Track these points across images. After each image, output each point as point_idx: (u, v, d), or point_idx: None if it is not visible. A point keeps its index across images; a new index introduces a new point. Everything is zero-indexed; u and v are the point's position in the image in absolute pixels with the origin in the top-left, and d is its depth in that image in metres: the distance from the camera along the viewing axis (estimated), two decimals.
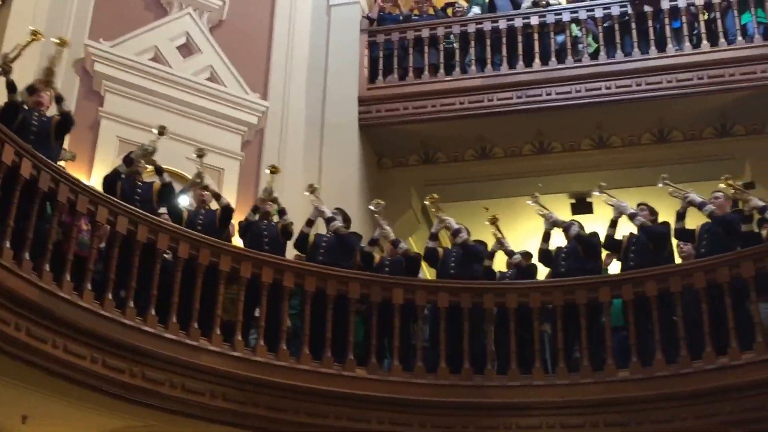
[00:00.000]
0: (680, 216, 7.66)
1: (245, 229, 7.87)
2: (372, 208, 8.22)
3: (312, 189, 8.20)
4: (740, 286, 6.88)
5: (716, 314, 6.85)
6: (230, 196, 8.76)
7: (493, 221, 8.17)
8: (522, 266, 8.06)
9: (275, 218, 8.03)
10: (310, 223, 8.06)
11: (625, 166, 10.33)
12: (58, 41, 7.31)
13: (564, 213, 9.66)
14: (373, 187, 10.47)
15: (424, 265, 8.60)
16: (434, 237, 8.21)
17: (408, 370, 7.15)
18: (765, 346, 6.58)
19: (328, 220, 7.99)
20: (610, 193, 8.04)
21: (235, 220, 8.06)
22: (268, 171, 8.21)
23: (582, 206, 11.04)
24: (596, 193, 8.13)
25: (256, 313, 7.23)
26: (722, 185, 7.46)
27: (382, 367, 7.21)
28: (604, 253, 8.14)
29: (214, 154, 9.22)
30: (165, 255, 6.97)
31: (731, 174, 8.65)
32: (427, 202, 8.24)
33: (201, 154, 8.08)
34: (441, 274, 7.92)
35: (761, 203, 7.26)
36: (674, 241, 7.82)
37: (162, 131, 7.78)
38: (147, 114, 9.20)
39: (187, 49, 9.89)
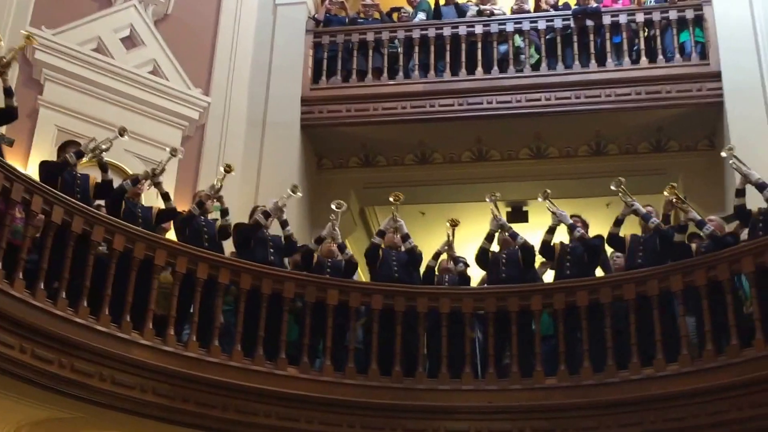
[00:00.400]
0: (618, 222, 7.78)
1: (187, 222, 7.82)
2: (334, 207, 8.22)
3: (228, 169, 8.12)
4: (669, 299, 7.05)
5: (644, 325, 7.01)
6: (168, 190, 8.68)
7: (454, 224, 8.20)
8: (464, 275, 8.18)
9: (215, 215, 8.02)
10: (267, 215, 8.03)
11: (561, 177, 10.49)
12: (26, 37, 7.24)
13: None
14: (313, 188, 10.49)
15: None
16: (381, 234, 8.18)
17: (339, 370, 7.19)
18: (689, 358, 6.75)
19: (284, 224, 8.04)
20: (552, 201, 8.11)
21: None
22: (222, 169, 8.14)
23: (518, 215, 11.19)
24: (540, 200, 8.16)
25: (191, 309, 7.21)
26: (666, 192, 7.57)
27: (314, 367, 7.24)
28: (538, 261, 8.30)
29: (153, 148, 9.18)
30: (100, 248, 6.92)
31: (672, 183, 8.87)
32: (391, 198, 8.20)
33: (174, 153, 8.04)
34: (381, 276, 7.92)
35: (699, 217, 7.45)
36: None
37: (122, 132, 7.71)
38: (87, 104, 9.11)
39: (130, 42, 9.79)
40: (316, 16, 10.96)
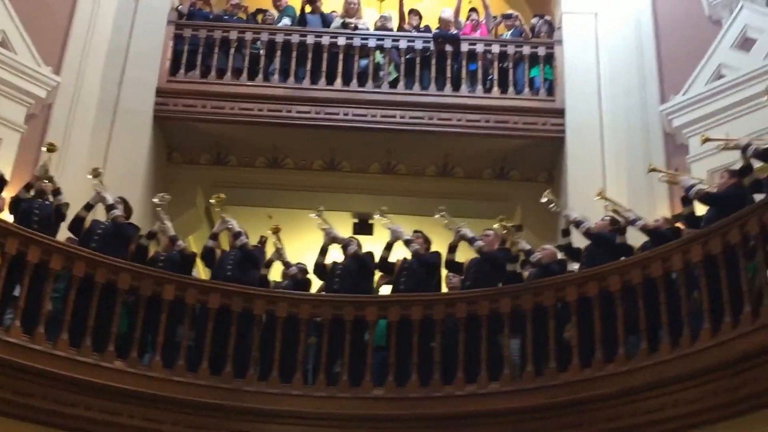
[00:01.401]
0: (452, 248, 8.07)
1: (16, 204, 7.58)
2: (156, 201, 8.13)
3: (96, 173, 8.02)
4: (498, 320, 7.33)
5: (473, 343, 7.25)
6: (6, 168, 8.37)
7: (276, 231, 8.31)
8: (298, 278, 8.23)
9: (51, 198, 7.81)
10: (88, 207, 7.88)
11: (408, 194, 10.73)
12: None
13: (345, 231, 9.91)
14: (160, 180, 10.31)
15: (200, 265, 8.58)
16: (215, 237, 8.21)
17: (168, 367, 7.10)
18: (511, 378, 7.04)
19: (109, 207, 7.86)
20: (390, 218, 8.32)
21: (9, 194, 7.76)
22: (45, 149, 7.93)
23: (363, 227, 11.37)
24: (377, 216, 8.40)
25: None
26: (496, 225, 7.90)
27: (143, 362, 7.12)
28: (378, 274, 8.47)
29: None
30: None
31: (503, 215, 9.21)
32: (212, 201, 8.24)
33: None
34: (217, 275, 7.91)
35: (528, 246, 7.82)
36: (443, 271, 8.23)
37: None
38: None
39: None
40: (179, 7, 10.81)
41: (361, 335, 7.50)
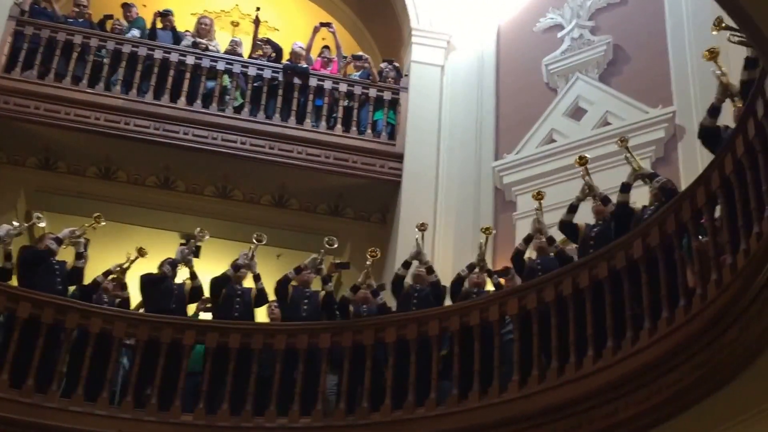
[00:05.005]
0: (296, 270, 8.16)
1: None
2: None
3: None
4: (317, 354, 7.34)
5: (289, 376, 7.25)
6: None
7: (141, 254, 8.26)
8: (124, 297, 8.08)
9: None
10: None
11: (241, 221, 10.62)
12: None
13: (171, 251, 9.69)
14: None
15: None
16: (59, 241, 7.97)
17: None
18: (323, 414, 7.05)
19: None
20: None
21: None
22: None
23: None
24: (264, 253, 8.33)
25: None
26: (369, 254, 8.14)
27: None
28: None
29: None
30: None
31: (333, 252, 9.30)
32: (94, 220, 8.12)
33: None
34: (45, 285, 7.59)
35: (374, 285, 8.08)
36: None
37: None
38: None
39: None
40: (20, 3, 10.38)
41: (177, 359, 7.35)
